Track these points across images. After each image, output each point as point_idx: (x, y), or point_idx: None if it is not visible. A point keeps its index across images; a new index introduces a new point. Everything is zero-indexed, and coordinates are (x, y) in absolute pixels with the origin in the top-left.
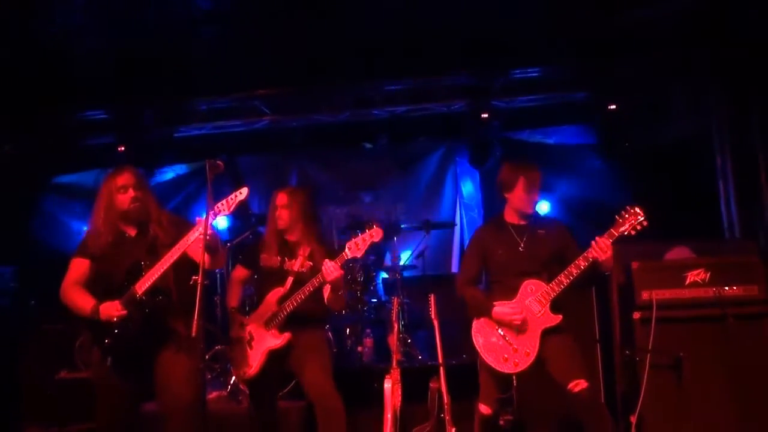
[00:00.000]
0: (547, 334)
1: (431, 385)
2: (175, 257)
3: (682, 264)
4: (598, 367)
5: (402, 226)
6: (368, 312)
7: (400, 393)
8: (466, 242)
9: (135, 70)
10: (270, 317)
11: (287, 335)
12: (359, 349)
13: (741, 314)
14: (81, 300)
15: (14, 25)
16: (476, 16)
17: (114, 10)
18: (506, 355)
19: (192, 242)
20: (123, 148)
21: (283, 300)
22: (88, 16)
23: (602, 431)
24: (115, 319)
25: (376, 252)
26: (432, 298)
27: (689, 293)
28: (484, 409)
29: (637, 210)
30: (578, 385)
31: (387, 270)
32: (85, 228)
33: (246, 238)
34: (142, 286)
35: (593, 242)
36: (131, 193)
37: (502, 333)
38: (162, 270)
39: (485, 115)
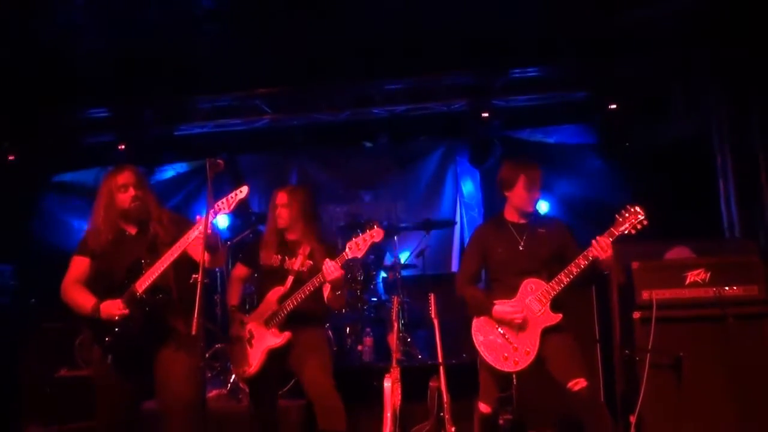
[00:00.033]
0: (547, 332)
1: (431, 384)
2: (175, 256)
3: (682, 264)
4: (598, 367)
5: (402, 225)
6: (368, 311)
7: (399, 392)
8: (467, 241)
9: (135, 68)
10: (270, 316)
11: (287, 334)
12: (359, 347)
13: (741, 314)
14: (81, 298)
15: (14, 24)
16: (476, 15)
17: (115, 8)
18: (506, 354)
19: (192, 241)
20: (123, 147)
21: (283, 299)
22: (89, 15)
23: (602, 430)
24: (116, 318)
25: (376, 251)
26: (432, 297)
27: (689, 293)
28: (483, 407)
29: (638, 209)
30: (578, 384)
31: (387, 269)
32: (85, 226)
33: (246, 236)
34: (142, 284)
35: (594, 241)
36: (132, 191)
37: (502, 332)
38: (162, 268)
39: (485, 115)
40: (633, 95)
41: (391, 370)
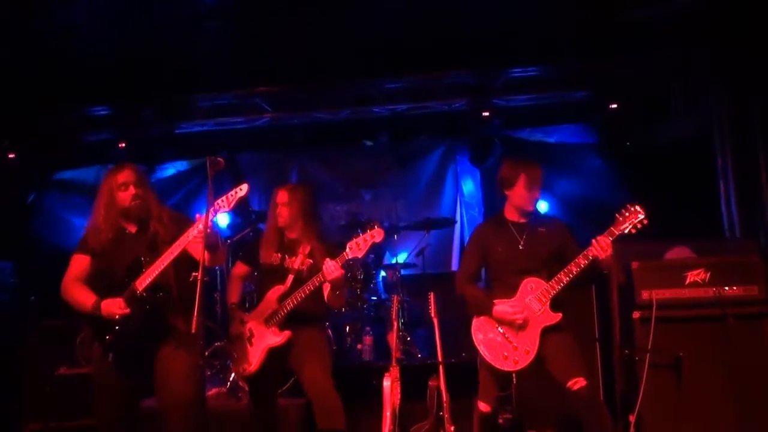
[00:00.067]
0: (546, 332)
1: (430, 383)
2: (175, 254)
3: (682, 264)
4: (598, 366)
5: (402, 224)
6: (368, 310)
7: (399, 391)
8: (467, 241)
9: (136, 66)
10: (270, 315)
11: (287, 333)
12: (359, 346)
13: (741, 314)
14: (82, 296)
15: (14, 22)
16: (476, 15)
17: (115, 6)
18: (506, 353)
19: (192, 239)
20: (124, 145)
21: (283, 298)
22: (90, 13)
23: (601, 430)
24: (116, 317)
25: (376, 251)
26: (432, 296)
27: (689, 293)
28: (483, 407)
29: (638, 208)
30: (577, 383)
31: (387, 268)
32: (85, 224)
33: (246, 235)
34: (142, 282)
35: (593, 241)
36: (132, 190)
37: (501, 331)
38: (162, 266)
39: (486, 114)
40: (633, 95)
41: (391, 369)
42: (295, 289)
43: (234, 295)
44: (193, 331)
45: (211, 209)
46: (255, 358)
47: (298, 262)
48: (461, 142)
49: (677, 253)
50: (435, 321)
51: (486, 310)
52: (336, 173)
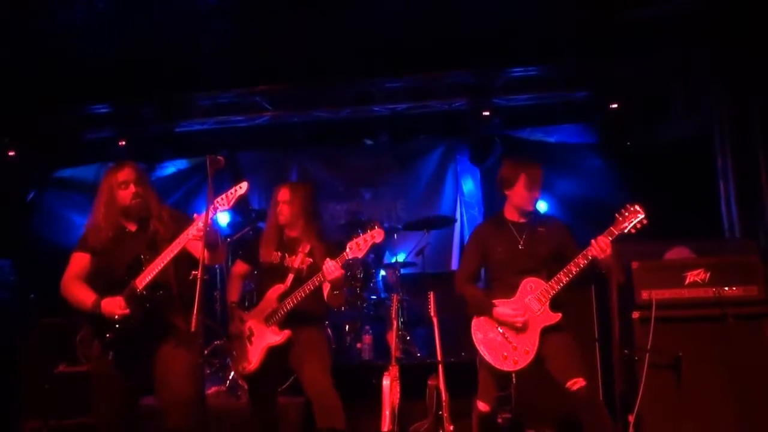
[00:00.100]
0: (546, 332)
1: (430, 382)
2: (175, 252)
3: (682, 264)
4: (597, 366)
5: (401, 224)
6: (368, 309)
7: (398, 390)
8: (466, 240)
9: (136, 64)
10: (270, 314)
11: (287, 332)
12: (358, 345)
13: (741, 314)
14: (81, 294)
15: (14, 22)
16: (477, 14)
17: (116, 5)
18: (506, 353)
19: (192, 237)
20: (124, 143)
21: (283, 297)
22: (91, 12)
23: (600, 430)
24: (116, 317)
25: (376, 250)
26: (431, 295)
27: (689, 293)
28: (482, 406)
29: (637, 208)
30: (576, 383)
31: (386, 267)
32: (85, 222)
33: (246, 233)
34: (142, 280)
35: (593, 241)
36: (132, 188)
37: (501, 331)
38: (162, 264)
39: (486, 113)
40: (633, 95)
41: (390, 368)
42: (295, 288)
43: (234, 293)
44: (193, 329)
45: (211, 207)
46: (255, 356)
47: (298, 261)
48: (461, 141)
49: (677, 253)
50: (434, 320)
51: (486, 311)
52: (336, 172)
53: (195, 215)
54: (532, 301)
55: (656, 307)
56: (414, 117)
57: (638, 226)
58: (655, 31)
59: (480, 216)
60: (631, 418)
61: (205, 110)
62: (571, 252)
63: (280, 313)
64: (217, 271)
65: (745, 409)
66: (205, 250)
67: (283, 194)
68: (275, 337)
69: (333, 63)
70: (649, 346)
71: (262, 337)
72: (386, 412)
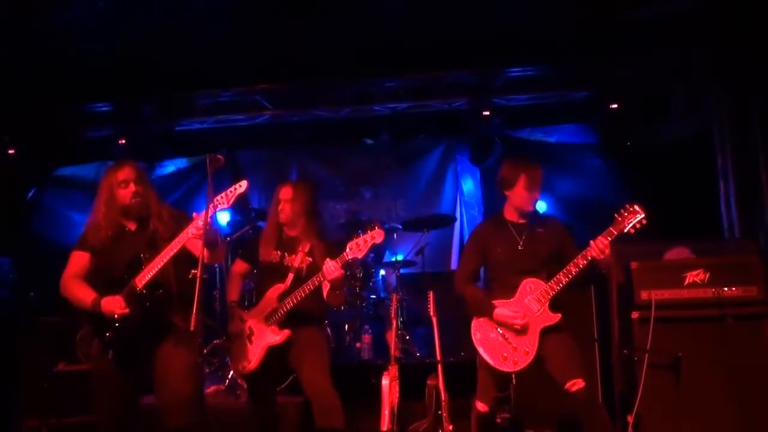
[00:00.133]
0: (546, 332)
1: (429, 382)
2: (174, 251)
3: (682, 264)
4: (597, 366)
5: (401, 223)
6: (367, 308)
7: (397, 389)
8: (466, 240)
9: (137, 63)
10: (270, 313)
11: (287, 332)
12: (358, 345)
13: (740, 315)
14: (81, 293)
15: (14, 22)
16: (477, 14)
17: (116, 5)
18: (505, 354)
19: (191, 236)
20: (124, 141)
21: (283, 296)
22: (90, 13)
23: (600, 430)
24: (116, 316)
25: (376, 250)
26: (431, 295)
27: (688, 293)
28: (481, 406)
29: (637, 208)
30: (575, 384)
31: (386, 267)
32: (85, 220)
33: (246, 232)
34: (142, 279)
35: (591, 242)
36: (132, 187)
37: (501, 331)
38: (162, 263)
39: (486, 113)
40: (633, 95)
41: (390, 367)
42: (295, 288)
43: (233, 292)
44: (192, 328)
45: (211, 206)
46: (254, 356)
47: (297, 260)
48: (461, 141)
49: (676, 253)
50: (434, 320)
51: (486, 312)
52: (336, 171)
53: (195, 214)
54: (531, 302)
55: (656, 308)
56: (414, 116)
57: (638, 226)
58: (654, 31)
59: (480, 216)
60: (630, 419)
61: (205, 109)
62: (571, 252)
63: (280, 312)
64: (217, 270)
65: (744, 410)
66: (205, 249)
67: (286, 192)
68: (275, 336)
69: (333, 62)
70: (648, 347)
71: (262, 337)
72: (385, 412)
